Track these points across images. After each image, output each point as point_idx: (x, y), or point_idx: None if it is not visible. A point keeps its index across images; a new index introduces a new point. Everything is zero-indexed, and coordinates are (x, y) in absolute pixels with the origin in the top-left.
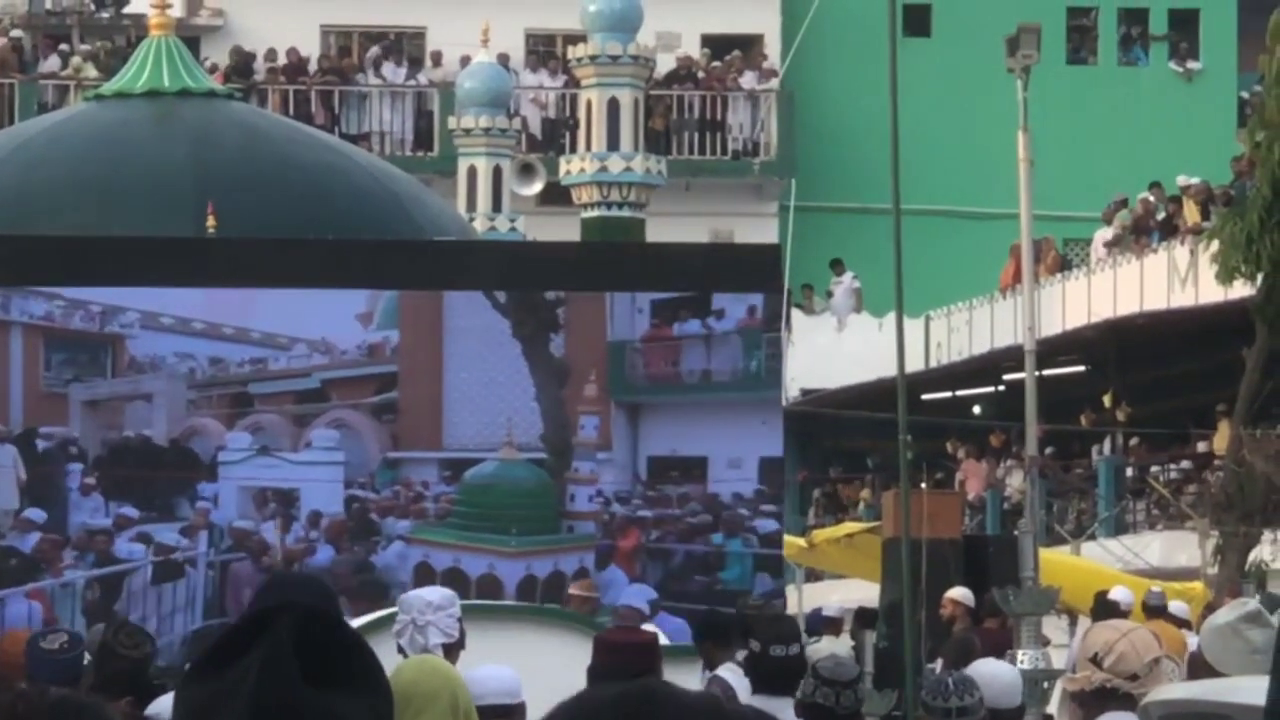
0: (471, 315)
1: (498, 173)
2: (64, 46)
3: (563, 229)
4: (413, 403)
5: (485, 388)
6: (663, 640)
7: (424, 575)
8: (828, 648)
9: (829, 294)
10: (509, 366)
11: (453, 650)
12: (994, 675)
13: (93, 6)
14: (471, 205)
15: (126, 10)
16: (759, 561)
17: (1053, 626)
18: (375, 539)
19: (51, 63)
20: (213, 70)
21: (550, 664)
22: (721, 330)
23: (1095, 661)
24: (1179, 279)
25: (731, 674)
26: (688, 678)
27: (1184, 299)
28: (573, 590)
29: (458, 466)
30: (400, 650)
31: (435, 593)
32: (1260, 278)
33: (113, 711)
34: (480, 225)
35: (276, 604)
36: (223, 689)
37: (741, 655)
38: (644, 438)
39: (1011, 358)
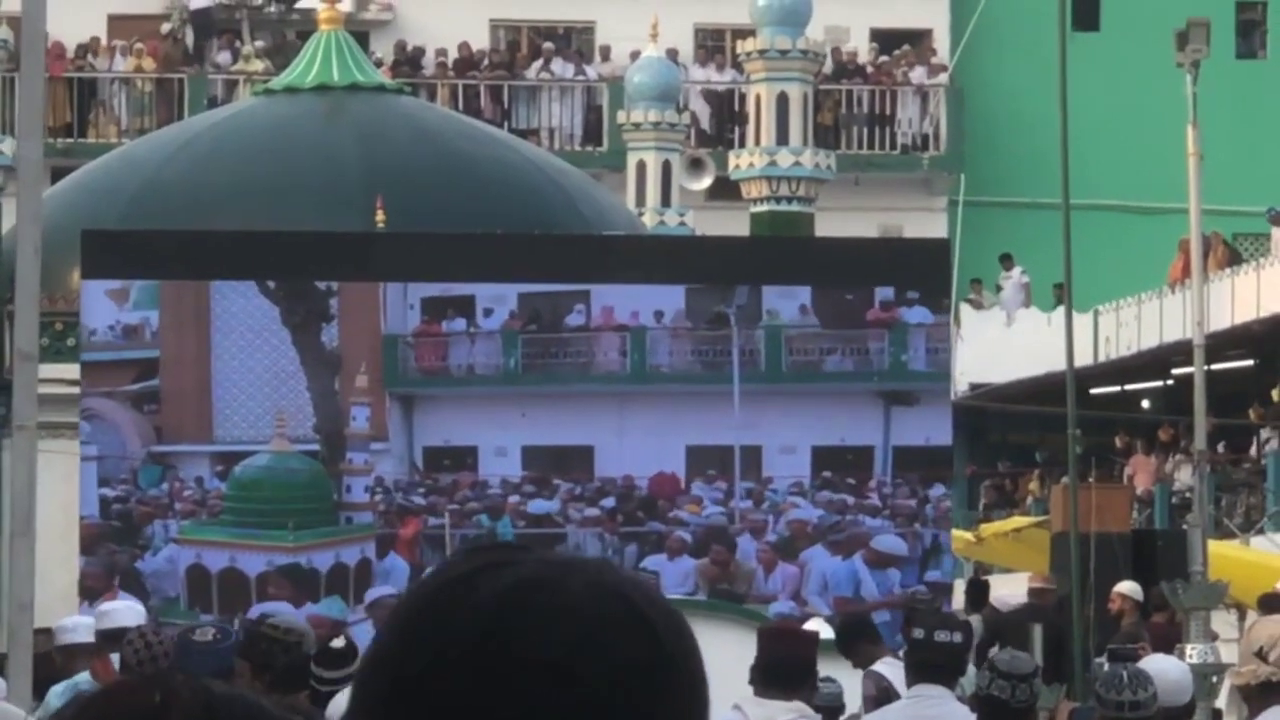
0: (238, 300)
1: (667, 167)
2: (237, 43)
3: (732, 223)
4: (177, 391)
5: (255, 376)
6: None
7: (197, 578)
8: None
9: (998, 288)
10: (279, 355)
11: None
12: (1164, 672)
13: (261, 1)
14: (641, 200)
15: (296, 5)
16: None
17: (1221, 621)
18: (141, 543)
19: (220, 57)
20: (380, 65)
21: (719, 658)
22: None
23: (1260, 655)
24: None
25: (889, 668)
26: (838, 672)
27: None
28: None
29: (230, 460)
30: None
31: None
32: None
33: (275, 708)
34: (649, 220)
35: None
36: None
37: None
38: (419, 428)
39: (1180, 352)
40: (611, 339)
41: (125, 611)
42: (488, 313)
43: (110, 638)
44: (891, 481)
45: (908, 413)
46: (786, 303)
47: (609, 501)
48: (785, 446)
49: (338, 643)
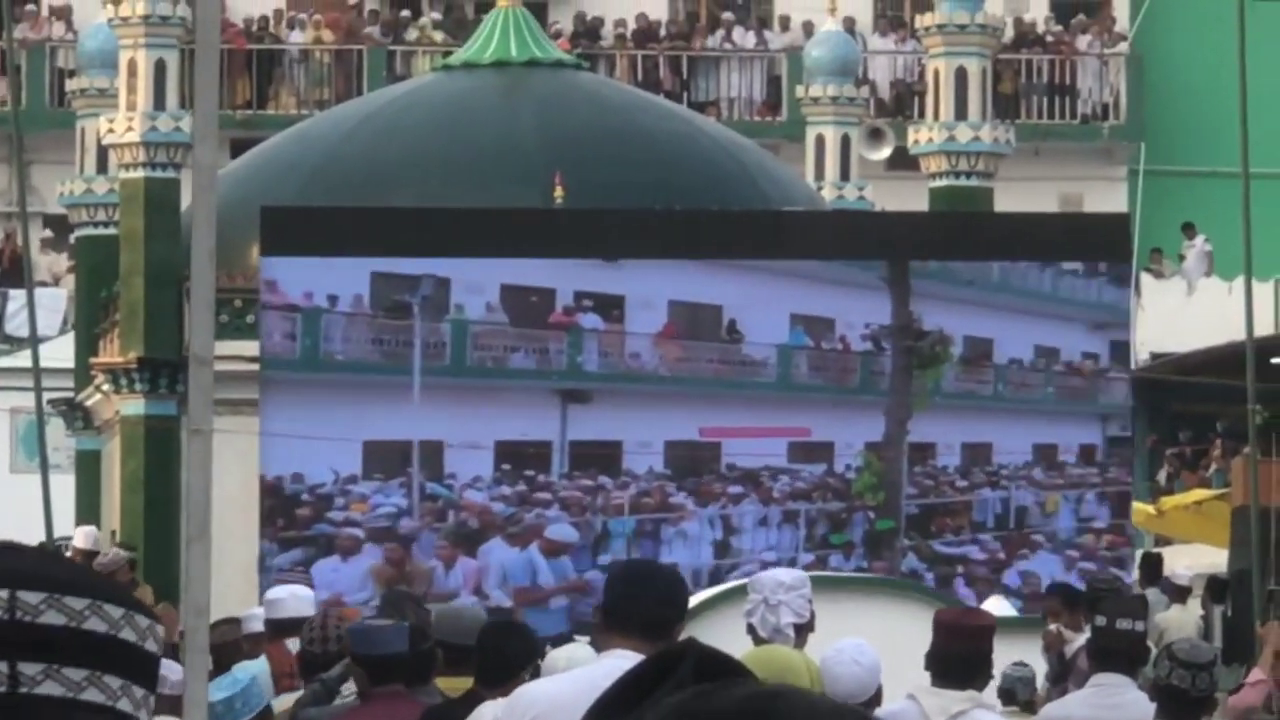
0: None
1: (846, 141)
2: (405, 11)
3: (911, 195)
4: None
5: None
6: (1006, 612)
7: None
8: (1177, 617)
9: (1181, 257)
10: None
11: (803, 631)
12: None
13: None
14: (819, 174)
15: None
16: None
17: None
18: None
19: (400, 30)
20: (559, 36)
21: (899, 636)
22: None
23: None
24: None
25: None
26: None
27: None
28: None
29: None
30: (750, 630)
31: (788, 573)
32: None
33: None
34: (828, 194)
35: (680, 648)
36: None
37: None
38: None
39: None
40: (278, 319)
41: (294, 600)
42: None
43: (280, 627)
44: (569, 474)
45: (584, 410)
46: (474, 298)
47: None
48: (469, 442)
49: None
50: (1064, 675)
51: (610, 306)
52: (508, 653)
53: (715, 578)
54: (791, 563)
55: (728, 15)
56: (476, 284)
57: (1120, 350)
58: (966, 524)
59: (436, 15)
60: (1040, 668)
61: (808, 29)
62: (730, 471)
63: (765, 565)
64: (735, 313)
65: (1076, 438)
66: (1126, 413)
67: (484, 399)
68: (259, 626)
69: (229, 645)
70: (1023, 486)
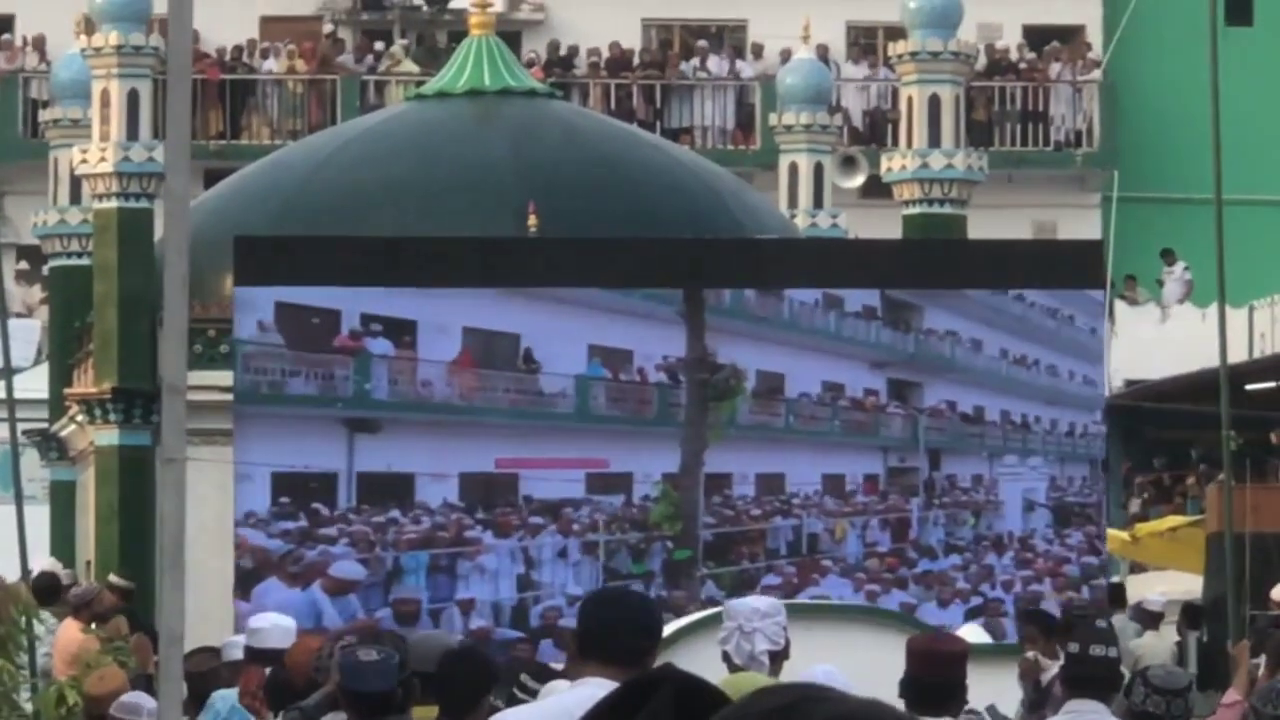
0: None
1: (819, 169)
2: (378, 44)
3: (885, 223)
4: None
5: None
6: (981, 638)
7: None
8: (1151, 643)
9: (1160, 284)
10: None
11: (778, 658)
12: None
13: (415, 1)
14: (793, 202)
15: (449, 4)
16: None
17: None
18: None
19: (371, 59)
20: (532, 65)
21: (872, 663)
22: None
23: None
24: None
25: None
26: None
27: None
28: None
29: None
30: (725, 657)
31: (763, 601)
32: None
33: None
34: (801, 222)
35: (657, 674)
36: None
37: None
38: None
39: None
40: None
41: (276, 631)
42: None
43: (259, 656)
44: (358, 508)
45: (372, 440)
46: (243, 316)
47: None
48: (241, 473)
49: None
50: (1041, 703)
51: (401, 332)
52: (467, 680)
53: (520, 612)
54: None
55: (701, 43)
56: (247, 301)
57: (895, 387)
58: (762, 551)
59: (408, 43)
60: (1016, 695)
61: (782, 57)
62: (528, 503)
63: (571, 599)
64: (532, 342)
65: (861, 468)
66: (904, 444)
67: (259, 427)
68: (240, 654)
69: (208, 674)
70: (814, 514)
